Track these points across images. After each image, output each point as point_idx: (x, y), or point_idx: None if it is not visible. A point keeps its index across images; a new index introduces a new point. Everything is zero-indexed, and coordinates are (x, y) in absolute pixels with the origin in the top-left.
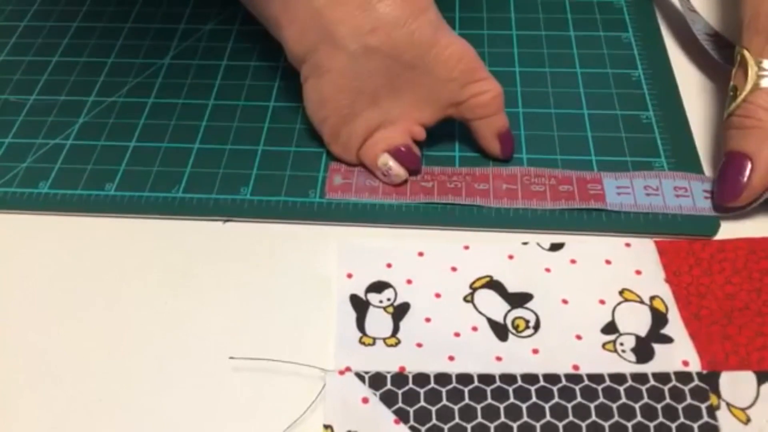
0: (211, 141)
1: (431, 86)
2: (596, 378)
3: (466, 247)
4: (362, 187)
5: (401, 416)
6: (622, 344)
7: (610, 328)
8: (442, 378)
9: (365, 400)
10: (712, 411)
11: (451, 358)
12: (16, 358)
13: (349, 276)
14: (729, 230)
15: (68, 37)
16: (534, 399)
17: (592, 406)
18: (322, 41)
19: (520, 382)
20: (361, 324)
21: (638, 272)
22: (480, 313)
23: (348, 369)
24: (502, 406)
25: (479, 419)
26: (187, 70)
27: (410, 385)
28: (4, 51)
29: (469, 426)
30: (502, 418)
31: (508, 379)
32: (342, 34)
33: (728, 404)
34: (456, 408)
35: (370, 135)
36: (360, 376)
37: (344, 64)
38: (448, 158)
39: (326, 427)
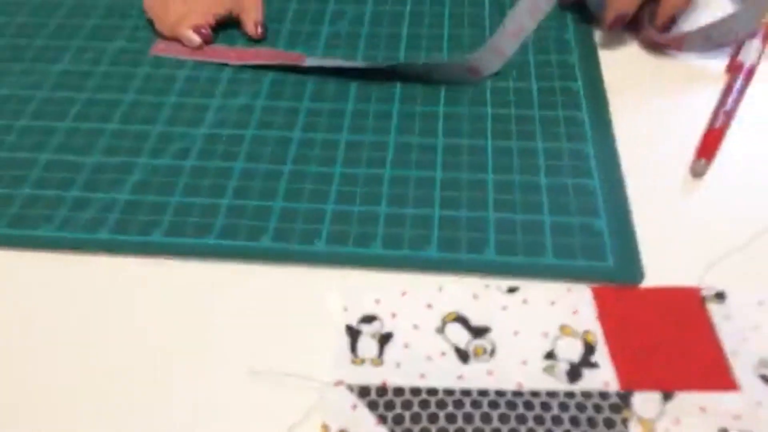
0: (239, 197)
1: None
2: (535, 394)
3: (440, 289)
4: (179, 49)
5: (382, 419)
6: (558, 368)
7: (551, 355)
8: (415, 391)
9: (354, 407)
10: (625, 422)
11: (422, 376)
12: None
13: (346, 309)
14: (653, 279)
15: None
16: (485, 408)
17: (530, 415)
18: None
19: (475, 396)
20: (353, 348)
21: (576, 312)
22: (448, 341)
23: (341, 382)
24: (459, 413)
25: (441, 423)
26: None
27: (389, 396)
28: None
29: (433, 427)
30: (459, 423)
31: (466, 393)
32: None
33: (638, 417)
34: (424, 414)
35: (188, 11)
36: (350, 388)
37: None
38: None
39: (323, 426)
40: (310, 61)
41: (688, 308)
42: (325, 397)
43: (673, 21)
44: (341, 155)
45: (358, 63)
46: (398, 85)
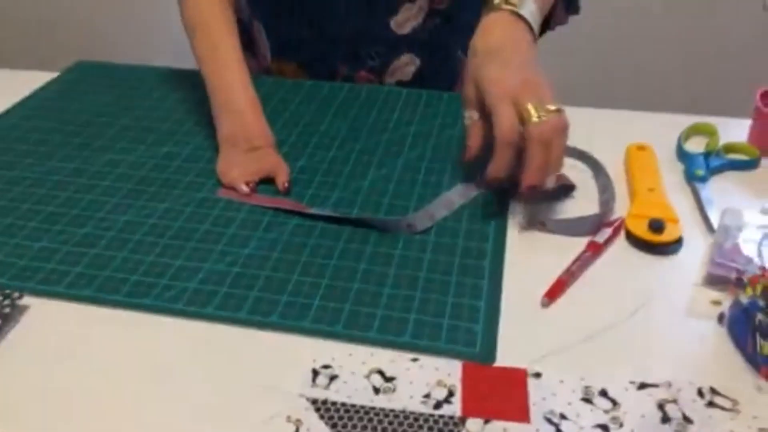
0: (264, 291)
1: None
2: (412, 413)
3: (372, 354)
4: (234, 194)
5: (321, 417)
6: (429, 402)
7: (427, 395)
8: (343, 404)
9: (307, 408)
10: None
11: (349, 397)
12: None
13: (314, 360)
14: (501, 362)
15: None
16: (381, 417)
17: (406, 422)
18: (226, 138)
19: (377, 410)
20: (314, 380)
21: (449, 374)
22: (370, 383)
23: (303, 395)
24: (366, 417)
25: (355, 422)
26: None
27: (328, 405)
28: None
29: (350, 423)
30: (365, 422)
31: (372, 408)
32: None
33: (467, 430)
34: (346, 416)
35: (241, 173)
36: (307, 399)
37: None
38: None
39: (288, 417)
40: (312, 210)
41: (516, 380)
42: (292, 401)
43: (533, 190)
44: (329, 272)
45: (338, 214)
46: (373, 234)
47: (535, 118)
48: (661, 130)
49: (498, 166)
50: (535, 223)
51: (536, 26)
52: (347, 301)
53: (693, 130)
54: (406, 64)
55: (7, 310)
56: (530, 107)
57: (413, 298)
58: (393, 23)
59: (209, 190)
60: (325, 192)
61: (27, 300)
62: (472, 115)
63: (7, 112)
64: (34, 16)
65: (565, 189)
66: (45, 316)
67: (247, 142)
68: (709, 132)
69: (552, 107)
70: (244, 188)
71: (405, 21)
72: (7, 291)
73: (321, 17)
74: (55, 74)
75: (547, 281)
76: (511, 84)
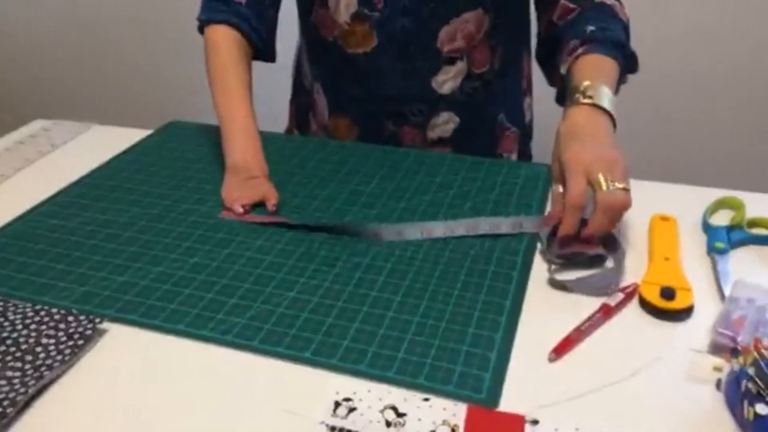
0: (301, 330)
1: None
2: None
3: (389, 392)
4: (232, 214)
5: None
6: None
7: None
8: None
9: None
10: None
11: (364, 427)
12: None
13: (337, 393)
14: (503, 407)
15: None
16: None
17: None
18: (230, 168)
19: None
20: (334, 411)
21: (454, 414)
22: (384, 417)
23: (323, 422)
24: None
25: None
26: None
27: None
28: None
29: None
30: None
31: None
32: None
33: None
34: None
35: (239, 197)
36: (326, 426)
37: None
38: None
39: None
40: (291, 221)
41: (514, 424)
42: (313, 427)
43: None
44: (360, 317)
45: (318, 224)
46: (403, 285)
47: (604, 188)
48: (689, 202)
49: (566, 226)
50: (554, 281)
51: (615, 112)
52: (373, 344)
53: (720, 204)
54: (446, 122)
55: (89, 332)
56: (601, 178)
57: (432, 345)
58: (434, 83)
59: (266, 238)
60: (365, 245)
61: (106, 324)
62: (557, 189)
63: (107, 163)
64: (136, 80)
65: (597, 258)
66: (119, 339)
67: (246, 172)
68: (736, 206)
69: (620, 185)
70: (240, 209)
71: (444, 82)
72: (91, 316)
73: (369, 79)
74: (150, 131)
75: (558, 337)
76: (586, 158)
